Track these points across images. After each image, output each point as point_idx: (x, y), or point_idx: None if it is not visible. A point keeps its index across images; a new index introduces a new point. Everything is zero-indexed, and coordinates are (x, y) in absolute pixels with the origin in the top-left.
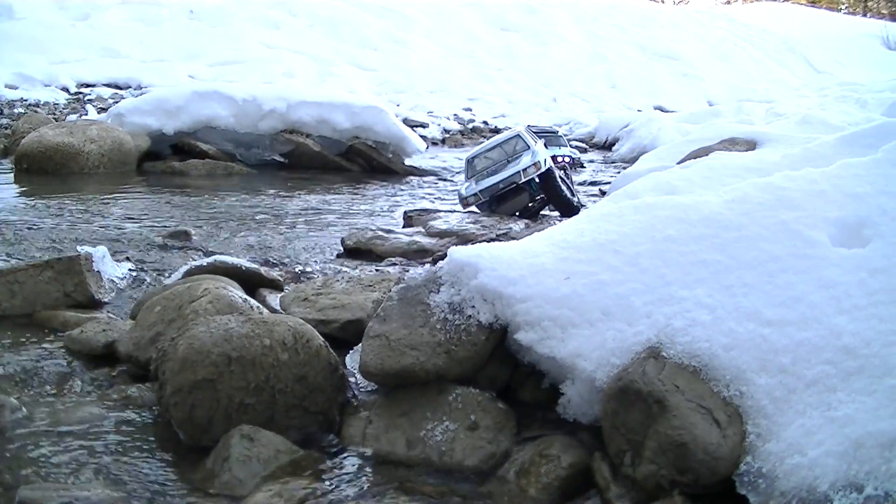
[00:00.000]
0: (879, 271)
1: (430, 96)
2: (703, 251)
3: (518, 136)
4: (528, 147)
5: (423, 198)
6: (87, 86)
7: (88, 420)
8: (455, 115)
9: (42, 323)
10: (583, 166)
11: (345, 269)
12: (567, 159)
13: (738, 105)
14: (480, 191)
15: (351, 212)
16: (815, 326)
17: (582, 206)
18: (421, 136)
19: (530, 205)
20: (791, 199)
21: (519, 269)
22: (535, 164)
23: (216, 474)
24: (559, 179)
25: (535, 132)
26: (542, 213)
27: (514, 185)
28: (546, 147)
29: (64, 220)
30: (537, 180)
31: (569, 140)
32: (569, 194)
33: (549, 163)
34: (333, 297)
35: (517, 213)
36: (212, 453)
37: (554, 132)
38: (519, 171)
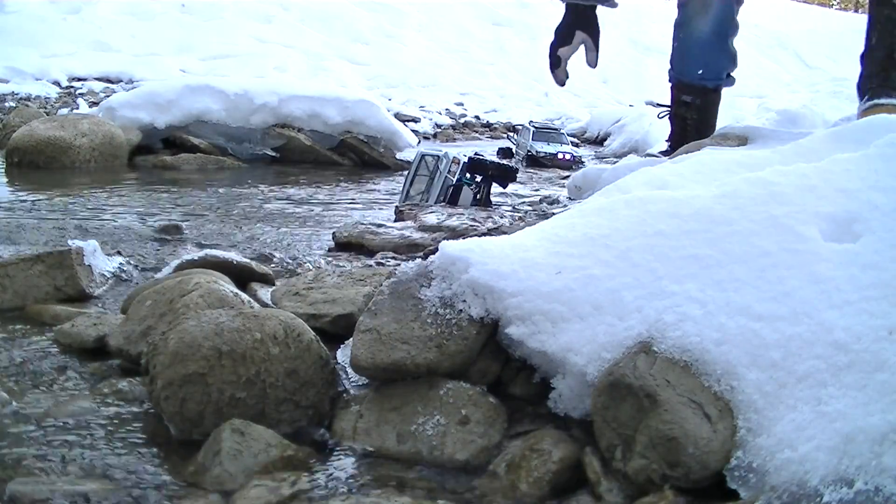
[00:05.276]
0: (870, 266)
1: (422, 91)
2: (694, 246)
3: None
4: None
5: None
6: (79, 80)
7: (79, 414)
8: (447, 109)
9: (33, 317)
10: (583, 163)
11: (336, 263)
12: (568, 157)
13: (730, 100)
14: None
15: (342, 206)
16: (806, 321)
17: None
18: (413, 131)
19: None
20: (782, 193)
21: (510, 264)
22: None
23: (207, 468)
24: None
25: (537, 128)
26: (536, 206)
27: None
28: (548, 143)
29: (55, 213)
30: None
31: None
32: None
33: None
34: (325, 291)
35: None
36: (203, 447)
37: (556, 129)
38: None
